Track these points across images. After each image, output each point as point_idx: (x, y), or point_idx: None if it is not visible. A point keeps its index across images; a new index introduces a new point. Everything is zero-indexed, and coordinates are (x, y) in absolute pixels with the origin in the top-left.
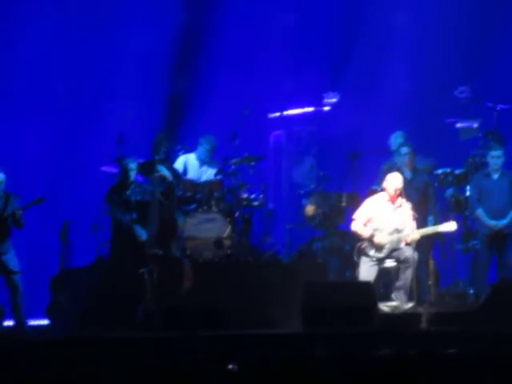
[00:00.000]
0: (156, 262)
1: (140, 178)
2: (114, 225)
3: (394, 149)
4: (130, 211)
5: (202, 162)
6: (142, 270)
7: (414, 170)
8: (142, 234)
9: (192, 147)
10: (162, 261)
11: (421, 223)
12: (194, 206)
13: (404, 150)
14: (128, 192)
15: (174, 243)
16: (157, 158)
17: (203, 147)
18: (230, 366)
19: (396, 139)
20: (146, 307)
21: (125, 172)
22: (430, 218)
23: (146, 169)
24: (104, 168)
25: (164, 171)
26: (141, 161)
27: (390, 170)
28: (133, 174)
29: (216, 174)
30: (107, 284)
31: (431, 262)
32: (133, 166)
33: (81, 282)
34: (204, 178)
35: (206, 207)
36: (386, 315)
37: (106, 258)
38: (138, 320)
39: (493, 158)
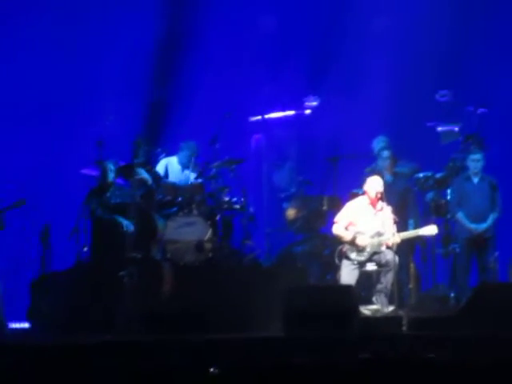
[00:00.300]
0: (136, 265)
1: (121, 181)
2: (94, 227)
3: (376, 153)
4: (111, 209)
5: (184, 167)
6: (121, 273)
7: (395, 174)
8: (128, 225)
9: (173, 150)
10: (142, 264)
11: (401, 227)
12: (174, 210)
13: (385, 153)
14: (108, 194)
15: (154, 246)
16: (136, 161)
17: (184, 153)
18: (212, 370)
19: (378, 143)
20: (125, 310)
21: (104, 174)
22: (411, 222)
23: (126, 172)
24: (84, 171)
25: (143, 174)
26: (121, 164)
27: (373, 174)
28: (112, 176)
29: (197, 178)
30: (87, 288)
31: (412, 266)
32: (111, 167)
33: (61, 286)
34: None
35: (186, 211)
36: (367, 319)
37: (86, 262)
38: (118, 323)
39: (473, 161)
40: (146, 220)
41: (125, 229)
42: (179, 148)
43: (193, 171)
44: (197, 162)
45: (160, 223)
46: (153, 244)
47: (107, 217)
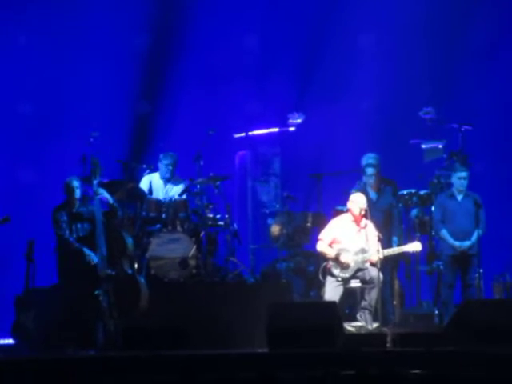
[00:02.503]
0: (110, 282)
1: (105, 198)
2: (59, 245)
3: (362, 169)
4: (77, 226)
5: (166, 180)
6: (96, 292)
7: (379, 191)
8: (93, 256)
9: (157, 167)
10: (116, 280)
11: (385, 244)
12: (158, 226)
13: (370, 171)
14: (73, 210)
15: (125, 261)
16: (95, 182)
17: (163, 164)
18: None
19: (366, 160)
20: (104, 327)
21: (69, 190)
22: (395, 239)
23: (112, 188)
24: None
25: (104, 193)
26: (105, 181)
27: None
28: (78, 192)
29: (181, 194)
30: (66, 304)
31: (396, 283)
32: (76, 183)
33: (44, 303)
34: (169, 195)
35: (170, 227)
36: (351, 335)
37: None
38: (98, 340)
39: (459, 179)
40: (114, 237)
41: (89, 261)
42: (158, 160)
43: (175, 184)
44: (178, 174)
45: (128, 240)
46: (124, 259)
47: (75, 246)
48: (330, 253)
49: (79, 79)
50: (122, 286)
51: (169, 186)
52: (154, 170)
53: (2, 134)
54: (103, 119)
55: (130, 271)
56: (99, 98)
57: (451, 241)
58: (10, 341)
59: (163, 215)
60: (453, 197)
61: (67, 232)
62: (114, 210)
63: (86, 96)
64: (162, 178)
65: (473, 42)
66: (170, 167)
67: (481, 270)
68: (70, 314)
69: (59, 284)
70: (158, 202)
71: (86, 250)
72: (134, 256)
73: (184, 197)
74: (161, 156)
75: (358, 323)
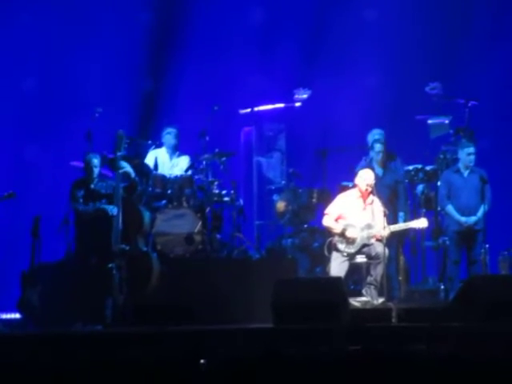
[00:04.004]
0: (123, 257)
1: (108, 173)
2: (76, 219)
3: (369, 145)
4: (95, 202)
5: (172, 151)
6: (109, 265)
7: (386, 168)
8: (113, 209)
9: (162, 143)
10: (129, 256)
11: (391, 220)
12: (164, 202)
13: (378, 147)
14: (92, 186)
15: (140, 238)
16: (118, 154)
17: (166, 134)
18: (202, 361)
19: (373, 136)
20: (114, 302)
21: (88, 168)
22: (401, 215)
23: (114, 164)
24: (73, 163)
25: (127, 168)
26: (110, 156)
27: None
28: (96, 170)
29: (186, 170)
30: (76, 280)
31: (401, 259)
32: (95, 161)
33: (51, 278)
34: (175, 170)
35: (176, 203)
36: (357, 311)
37: (74, 253)
38: (106, 316)
39: (468, 155)
40: (131, 212)
41: (110, 213)
42: (162, 133)
43: (180, 157)
44: (184, 150)
45: (146, 215)
46: (139, 236)
47: (91, 209)
48: (336, 228)
49: (83, 55)
50: (134, 263)
51: (175, 160)
52: (160, 145)
53: (7, 111)
54: (108, 95)
55: (144, 248)
56: (103, 74)
57: (457, 216)
58: (17, 316)
59: (169, 191)
60: (459, 172)
61: (81, 203)
62: (134, 185)
63: (90, 72)
64: (168, 147)
65: (480, 16)
66: (173, 134)
67: (486, 246)
68: (81, 289)
69: (71, 258)
70: (164, 178)
71: (105, 206)
72: (149, 232)
73: (189, 173)
74: (164, 128)
75: (364, 298)
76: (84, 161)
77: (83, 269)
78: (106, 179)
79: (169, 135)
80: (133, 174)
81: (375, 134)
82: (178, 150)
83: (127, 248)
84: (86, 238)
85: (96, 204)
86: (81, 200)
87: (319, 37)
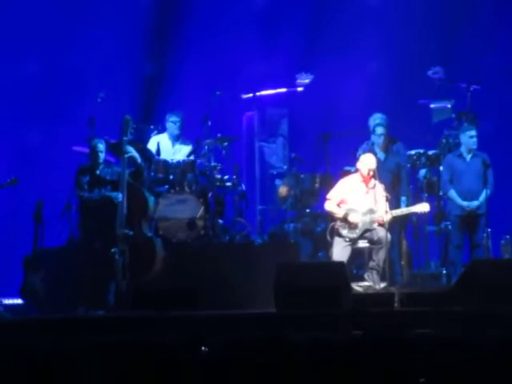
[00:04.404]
0: (127, 242)
1: (111, 158)
2: (81, 205)
3: (371, 129)
4: (100, 188)
5: (174, 139)
6: (113, 250)
7: (388, 152)
8: (118, 196)
9: (164, 128)
10: (133, 241)
11: (394, 204)
12: (166, 188)
13: (380, 130)
14: (97, 172)
15: (145, 223)
16: (125, 139)
17: (169, 123)
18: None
19: (374, 120)
20: (117, 287)
21: (93, 153)
22: (403, 199)
23: (118, 149)
24: (76, 148)
25: (133, 153)
26: (112, 141)
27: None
28: (101, 156)
29: (188, 155)
30: (78, 264)
31: (404, 243)
32: (101, 147)
33: (53, 263)
34: (177, 156)
35: (178, 188)
36: (359, 295)
37: (79, 239)
38: (109, 300)
39: (471, 137)
40: (136, 197)
41: (115, 201)
42: (165, 120)
43: (182, 144)
44: (186, 136)
45: (151, 201)
46: (144, 221)
47: (96, 197)
48: (339, 212)
49: (85, 40)
50: (138, 248)
51: (177, 146)
52: (162, 130)
53: (9, 97)
54: (110, 80)
55: (149, 234)
56: (106, 58)
57: (459, 201)
58: (19, 301)
59: (171, 176)
60: (461, 157)
61: (86, 191)
62: (141, 171)
63: (92, 57)
64: (171, 135)
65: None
66: (178, 124)
67: (489, 230)
68: (84, 274)
69: (74, 243)
70: (166, 164)
71: (109, 193)
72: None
73: (192, 158)
74: (167, 115)
75: (366, 283)
76: (89, 146)
77: (87, 254)
78: (112, 165)
79: (173, 124)
80: (139, 160)
81: (376, 118)
82: (180, 137)
83: (131, 233)
84: (91, 223)
85: (101, 191)
86: (86, 186)
87: (321, 21)
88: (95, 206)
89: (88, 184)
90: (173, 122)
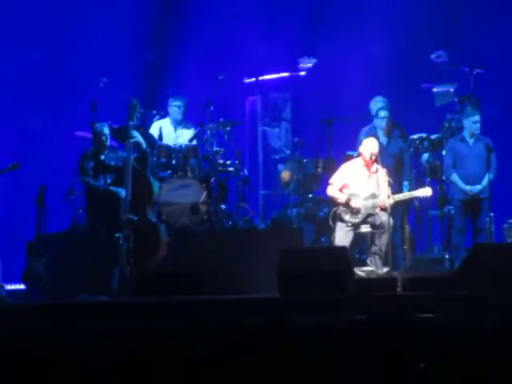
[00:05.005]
0: (131, 227)
1: (114, 144)
2: (87, 191)
3: (374, 113)
4: (105, 174)
5: (177, 124)
6: (117, 235)
7: (390, 136)
8: (121, 191)
9: (167, 113)
10: (138, 226)
11: (396, 189)
12: (169, 172)
13: (383, 113)
14: (102, 157)
15: (149, 209)
16: (131, 123)
17: (172, 107)
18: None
19: (376, 103)
20: (121, 273)
21: (97, 137)
22: (406, 184)
23: (121, 135)
24: (78, 133)
25: (138, 137)
26: (115, 126)
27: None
28: (106, 140)
29: (191, 140)
30: (82, 250)
31: (406, 228)
32: (105, 131)
33: (56, 248)
34: (180, 141)
35: (181, 173)
36: (362, 280)
37: (82, 224)
38: (113, 285)
39: (475, 123)
40: (141, 183)
41: (119, 196)
42: (168, 105)
43: (185, 128)
44: (188, 120)
45: (155, 186)
46: (148, 207)
47: (101, 189)
48: (341, 197)
49: (88, 25)
50: (142, 234)
51: (179, 131)
52: (164, 115)
53: (11, 81)
54: (112, 65)
55: (153, 219)
56: (108, 43)
57: (462, 185)
58: (22, 287)
59: (174, 161)
60: (464, 141)
61: (91, 177)
62: (146, 156)
63: (94, 42)
64: (174, 120)
65: None
66: (182, 108)
67: (492, 214)
68: (88, 259)
69: (77, 229)
70: (169, 148)
71: (113, 188)
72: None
73: (194, 143)
74: (170, 100)
75: (369, 268)
76: (94, 131)
77: (91, 239)
78: (116, 150)
79: (176, 109)
80: (144, 145)
81: (378, 102)
82: (183, 121)
83: (135, 218)
84: (97, 209)
85: (106, 178)
86: (90, 172)
87: (324, 5)
88: (100, 194)
89: (93, 169)
90: (177, 106)
